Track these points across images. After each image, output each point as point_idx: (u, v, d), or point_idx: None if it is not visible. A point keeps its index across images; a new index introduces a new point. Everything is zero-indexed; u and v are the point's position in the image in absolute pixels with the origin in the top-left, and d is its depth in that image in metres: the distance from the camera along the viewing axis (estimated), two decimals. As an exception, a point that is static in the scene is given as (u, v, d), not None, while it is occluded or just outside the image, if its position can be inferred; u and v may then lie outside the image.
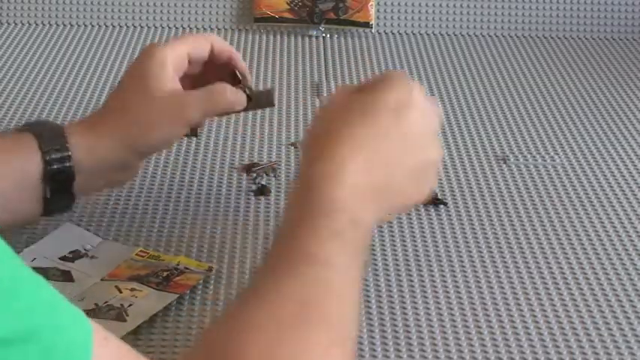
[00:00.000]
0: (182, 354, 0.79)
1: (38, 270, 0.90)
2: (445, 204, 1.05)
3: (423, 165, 0.84)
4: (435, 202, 1.05)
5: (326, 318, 0.72)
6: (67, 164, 0.90)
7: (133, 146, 0.93)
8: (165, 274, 0.91)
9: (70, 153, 0.90)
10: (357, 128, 0.82)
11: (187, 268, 0.92)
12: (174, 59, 0.95)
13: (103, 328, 0.63)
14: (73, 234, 0.97)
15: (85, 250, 0.95)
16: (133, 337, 0.82)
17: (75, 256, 0.94)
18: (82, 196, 0.96)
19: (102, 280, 0.90)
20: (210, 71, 0.99)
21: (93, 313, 0.85)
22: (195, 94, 0.95)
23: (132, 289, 0.88)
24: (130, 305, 0.86)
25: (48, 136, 0.91)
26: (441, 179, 1.11)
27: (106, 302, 0.86)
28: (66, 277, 0.90)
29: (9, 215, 0.91)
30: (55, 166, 0.90)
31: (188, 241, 0.98)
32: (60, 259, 0.93)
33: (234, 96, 0.97)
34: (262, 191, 1.06)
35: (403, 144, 0.83)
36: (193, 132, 1.17)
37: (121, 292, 0.88)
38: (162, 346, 0.82)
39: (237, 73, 0.99)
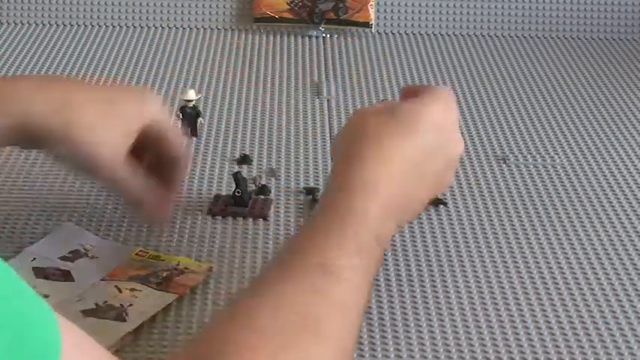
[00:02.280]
0: (173, 353, 0.78)
1: (38, 270, 0.90)
2: (445, 204, 1.05)
3: (442, 184, 0.87)
4: (435, 202, 1.05)
5: (328, 333, 0.70)
6: None
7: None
8: (165, 274, 0.91)
9: None
10: (398, 138, 0.82)
11: (187, 268, 0.92)
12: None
13: (78, 330, 0.60)
14: (72, 234, 0.97)
15: (84, 250, 0.95)
16: (132, 338, 0.82)
17: (75, 256, 0.94)
18: None
19: (102, 280, 0.90)
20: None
21: (92, 312, 0.85)
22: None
23: (132, 289, 0.88)
24: (130, 305, 0.86)
25: None
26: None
27: (106, 302, 0.86)
28: (66, 277, 0.90)
29: None
30: None
31: (188, 241, 0.98)
32: (60, 258, 0.93)
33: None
34: (262, 191, 1.06)
35: (436, 162, 0.84)
36: (194, 133, 1.17)
37: (120, 291, 0.88)
38: (162, 346, 0.82)
39: None
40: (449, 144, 0.86)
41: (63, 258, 0.93)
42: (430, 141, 0.83)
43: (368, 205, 0.78)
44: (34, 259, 0.92)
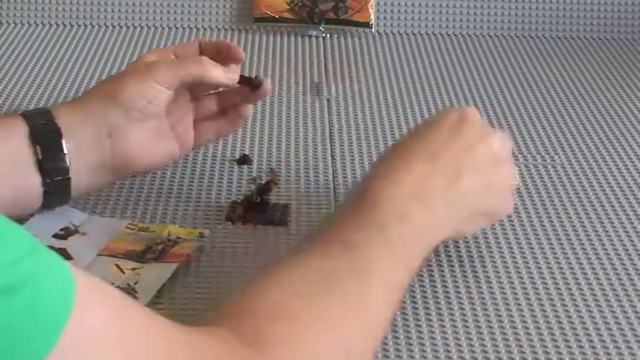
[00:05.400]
0: (207, 316, 0.80)
1: None
2: (445, 204, 1.05)
3: (490, 182, 0.91)
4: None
5: (346, 294, 0.77)
6: (52, 122, 0.93)
7: (113, 101, 0.95)
8: (160, 247, 0.92)
9: (53, 116, 0.94)
10: (412, 149, 0.90)
11: (179, 238, 0.93)
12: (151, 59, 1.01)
13: (93, 277, 0.64)
14: (60, 211, 0.98)
15: (74, 226, 0.95)
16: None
17: (66, 233, 0.95)
18: (80, 182, 0.95)
19: (99, 255, 0.92)
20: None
21: None
22: (168, 59, 1.02)
23: (133, 269, 0.90)
24: (137, 283, 0.87)
25: (31, 109, 0.96)
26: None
27: (113, 284, 0.87)
28: (63, 255, 0.91)
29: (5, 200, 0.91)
30: (40, 124, 0.93)
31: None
32: (53, 237, 0.94)
33: (211, 67, 0.98)
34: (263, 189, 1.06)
35: (463, 155, 0.90)
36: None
37: (123, 272, 0.89)
38: (169, 315, 0.84)
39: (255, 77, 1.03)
40: (488, 168, 0.92)
41: (56, 236, 0.94)
42: (461, 155, 0.90)
43: (382, 190, 0.86)
44: None
